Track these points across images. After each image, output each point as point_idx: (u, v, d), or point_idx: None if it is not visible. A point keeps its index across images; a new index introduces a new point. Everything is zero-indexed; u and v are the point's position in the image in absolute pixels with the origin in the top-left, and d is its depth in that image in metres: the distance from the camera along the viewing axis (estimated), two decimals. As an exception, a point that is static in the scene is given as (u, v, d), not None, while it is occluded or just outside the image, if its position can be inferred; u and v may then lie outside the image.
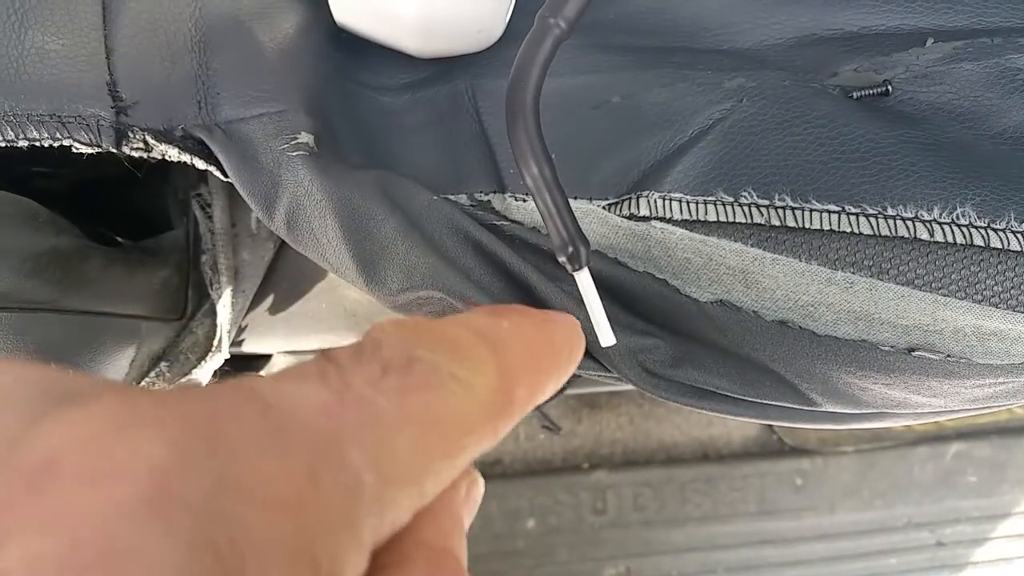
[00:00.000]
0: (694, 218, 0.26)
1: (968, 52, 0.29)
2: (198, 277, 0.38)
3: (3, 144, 0.26)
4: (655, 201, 0.27)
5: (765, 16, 0.32)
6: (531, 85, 0.22)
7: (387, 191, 0.27)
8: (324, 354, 0.13)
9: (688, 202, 0.26)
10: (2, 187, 0.32)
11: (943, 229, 0.25)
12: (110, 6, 0.27)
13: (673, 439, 0.83)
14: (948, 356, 0.27)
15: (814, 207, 0.26)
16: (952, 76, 0.29)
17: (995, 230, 0.25)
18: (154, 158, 0.28)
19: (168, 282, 0.37)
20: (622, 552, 0.80)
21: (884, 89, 0.29)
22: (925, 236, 0.25)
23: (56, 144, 0.26)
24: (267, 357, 0.48)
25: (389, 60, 0.31)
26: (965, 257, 0.26)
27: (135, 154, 0.27)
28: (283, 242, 0.34)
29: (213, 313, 0.38)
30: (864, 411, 0.30)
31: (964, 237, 0.25)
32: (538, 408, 0.68)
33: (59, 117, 0.26)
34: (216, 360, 0.38)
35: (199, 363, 0.37)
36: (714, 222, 0.26)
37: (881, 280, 0.26)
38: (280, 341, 0.43)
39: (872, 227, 0.26)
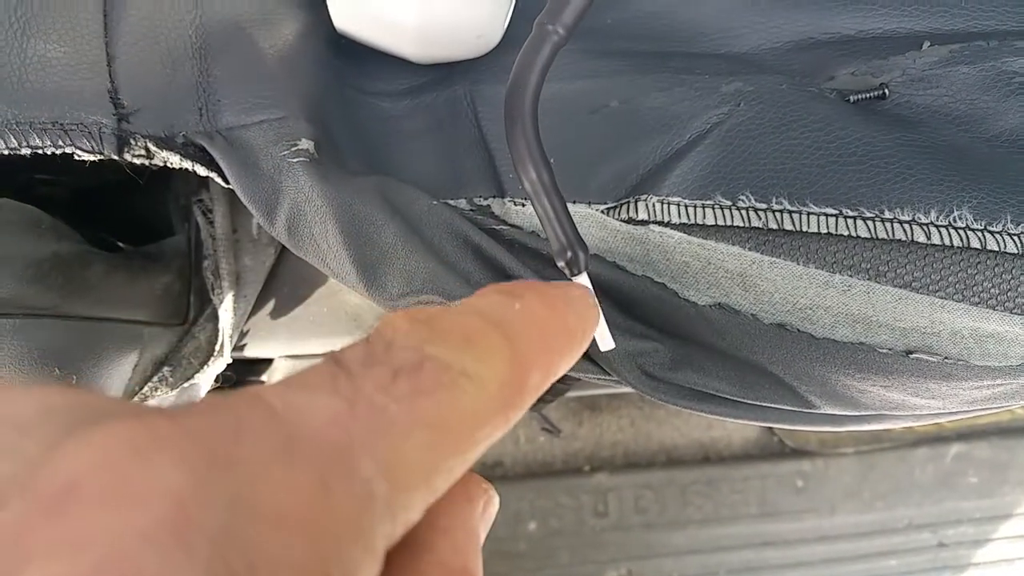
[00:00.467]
0: (692, 222, 0.26)
1: (964, 55, 0.29)
2: (200, 282, 0.38)
3: (6, 152, 0.26)
4: (653, 205, 0.27)
5: (762, 20, 0.32)
6: (530, 90, 0.22)
7: (387, 196, 0.27)
8: (333, 356, 0.13)
9: (686, 206, 0.26)
10: (5, 194, 0.32)
11: (940, 232, 0.25)
12: (111, 14, 0.27)
13: (674, 441, 0.83)
14: (946, 358, 0.27)
15: (811, 210, 0.26)
16: (948, 79, 0.29)
17: (992, 232, 0.25)
18: (156, 165, 0.28)
19: (170, 287, 0.37)
20: (623, 554, 0.80)
21: (881, 92, 0.29)
22: (922, 239, 0.25)
23: (58, 151, 0.26)
24: (269, 361, 0.48)
25: (389, 66, 0.31)
26: (962, 260, 0.26)
27: (137, 161, 0.27)
28: (284, 247, 0.34)
29: (215, 318, 0.38)
30: (863, 413, 0.30)
31: (961, 240, 0.25)
32: (539, 411, 0.68)
33: (61, 125, 0.26)
34: (218, 365, 0.38)
35: (201, 368, 0.37)
36: (712, 226, 0.26)
37: (878, 283, 0.26)
38: (282, 345, 0.43)
39: (869, 230, 0.26)
